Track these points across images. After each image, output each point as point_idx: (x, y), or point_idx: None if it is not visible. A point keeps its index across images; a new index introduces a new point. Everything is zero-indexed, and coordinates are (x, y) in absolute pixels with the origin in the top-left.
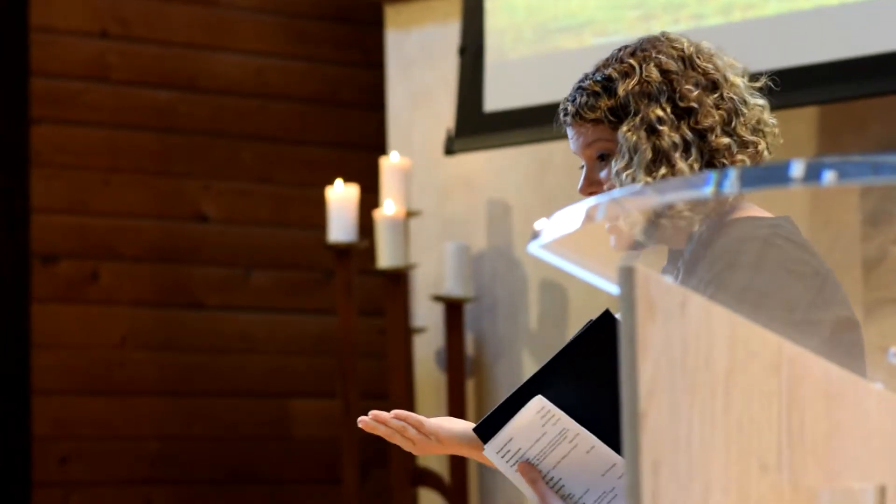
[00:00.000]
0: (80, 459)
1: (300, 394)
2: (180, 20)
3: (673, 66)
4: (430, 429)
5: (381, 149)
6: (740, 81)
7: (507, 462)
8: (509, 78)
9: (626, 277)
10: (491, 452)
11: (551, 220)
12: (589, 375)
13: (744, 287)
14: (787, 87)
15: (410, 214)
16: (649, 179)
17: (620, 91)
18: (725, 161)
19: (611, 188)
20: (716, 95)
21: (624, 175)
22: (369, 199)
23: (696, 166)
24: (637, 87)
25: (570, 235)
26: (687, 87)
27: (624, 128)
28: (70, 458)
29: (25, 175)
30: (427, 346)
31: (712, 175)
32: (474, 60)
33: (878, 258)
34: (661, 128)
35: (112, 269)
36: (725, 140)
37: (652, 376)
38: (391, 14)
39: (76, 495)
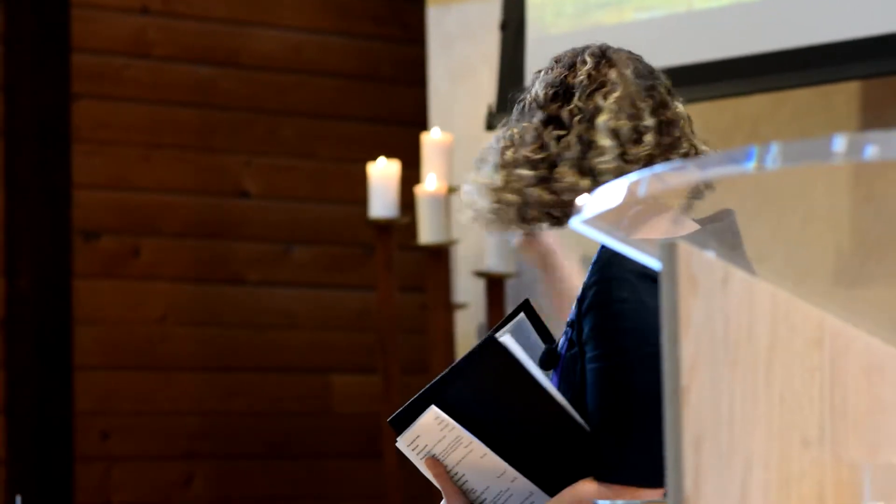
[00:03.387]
0: (121, 434)
1: (341, 369)
2: None
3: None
4: None
5: (422, 124)
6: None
7: (417, 454)
8: (550, 53)
9: (668, 252)
10: (402, 444)
11: (593, 195)
12: (477, 392)
13: None
14: (830, 61)
15: (452, 190)
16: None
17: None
18: None
19: None
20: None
21: None
22: (410, 174)
23: None
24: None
25: (611, 211)
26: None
27: None
28: (111, 433)
29: (67, 151)
30: (468, 321)
31: (755, 150)
32: (515, 35)
33: None
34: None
35: (153, 244)
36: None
37: (694, 351)
38: None
39: (117, 470)
